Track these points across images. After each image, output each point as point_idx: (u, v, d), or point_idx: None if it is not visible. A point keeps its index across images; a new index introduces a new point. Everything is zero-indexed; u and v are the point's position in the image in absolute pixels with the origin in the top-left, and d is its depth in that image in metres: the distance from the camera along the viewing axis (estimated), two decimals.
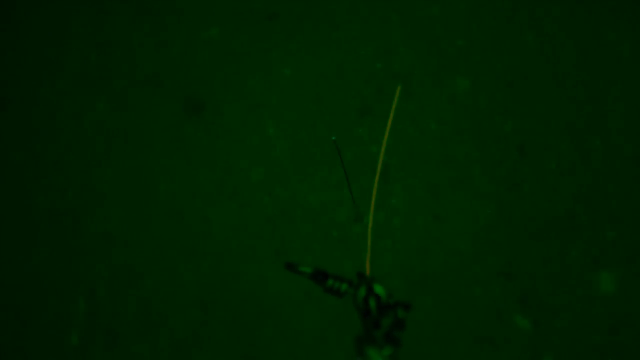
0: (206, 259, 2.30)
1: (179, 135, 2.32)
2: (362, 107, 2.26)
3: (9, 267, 2.36)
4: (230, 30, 2.31)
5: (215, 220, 2.30)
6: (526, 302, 2.21)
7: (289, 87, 2.29)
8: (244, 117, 2.30)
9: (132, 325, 2.33)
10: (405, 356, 1.91)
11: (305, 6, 2.31)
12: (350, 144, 2.25)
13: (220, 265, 2.30)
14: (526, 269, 2.21)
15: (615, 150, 2.20)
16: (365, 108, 2.26)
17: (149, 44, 2.33)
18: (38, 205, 2.35)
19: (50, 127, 2.36)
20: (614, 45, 2.21)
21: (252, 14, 2.33)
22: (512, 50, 2.24)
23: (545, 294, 2.21)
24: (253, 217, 2.29)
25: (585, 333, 2.20)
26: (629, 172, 2.19)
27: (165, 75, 2.32)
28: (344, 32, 2.27)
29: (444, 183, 2.23)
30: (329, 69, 2.28)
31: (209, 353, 2.30)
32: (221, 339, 2.29)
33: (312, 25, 2.28)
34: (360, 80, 2.26)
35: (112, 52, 2.36)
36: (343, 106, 2.27)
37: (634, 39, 2.21)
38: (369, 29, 2.27)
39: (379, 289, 1.56)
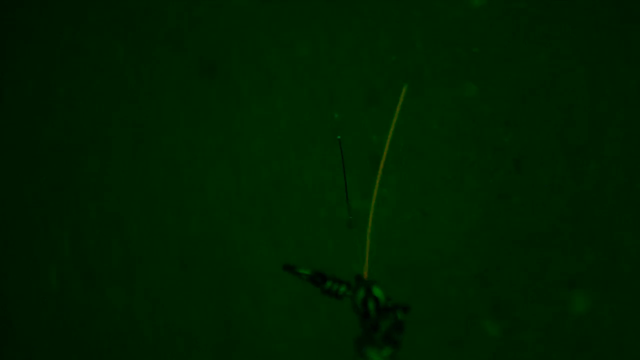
0: (194, 219, 2.34)
1: (189, 95, 2.37)
2: (370, 96, 2.31)
3: (3, 192, 2.41)
4: (257, 2, 2.37)
5: (209, 182, 2.34)
6: (499, 309, 2.25)
7: (302, 66, 2.34)
8: (255, 88, 2.35)
9: (111, 272, 2.37)
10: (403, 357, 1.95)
11: None
12: (352, 129, 2.30)
13: (207, 227, 2.34)
14: (503, 278, 2.25)
15: (608, 177, 2.24)
16: (372, 98, 2.31)
17: (178, 2, 2.39)
18: (42, 139, 2.40)
19: (68, 65, 2.42)
20: (622, 77, 2.26)
21: None
22: (523, 65, 2.29)
23: (518, 305, 2.24)
24: (247, 185, 2.33)
25: (552, 349, 2.23)
26: (619, 199, 2.23)
27: (186, 34, 2.38)
28: (364, 20, 2.33)
29: (436, 182, 2.27)
30: (343, 55, 2.33)
31: (183, 311, 2.33)
32: (197, 298, 2.33)
33: (334, 9, 2.34)
34: (373, 70, 2.32)
35: (140, 4, 2.42)
36: (351, 93, 2.32)
37: None
38: (389, 22, 2.32)
39: (377, 292, 1.58)
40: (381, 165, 2.11)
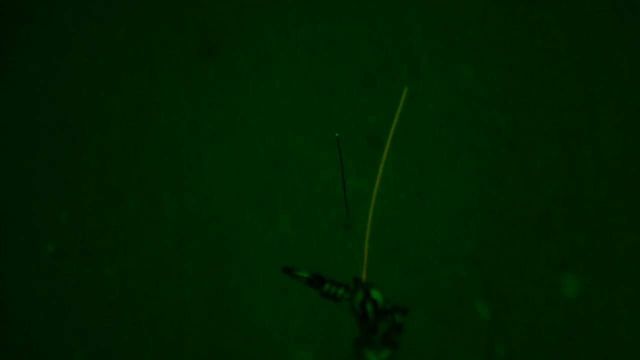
0: (191, 195, 2.37)
1: (189, 73, 2.40)
2: (367, 77, 2.34)
3: (4, 165, 2.44)
4: None
5: (207, 159, 2.37)
6: (489, 290, 2.26)
7: (301, 47, 2.37)
8: (254, 67, 2.38)
9: (107, 245, 2.40)
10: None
11: None
12: (348, 109, 2.33)
13: (203, 203, 2.37)
14: (495, 259, 2.26)
15: (601, 162, 2.26)
16: (369, 79, 2.34)
17: None
18: (42, 115, 2.44)
19: (69, 44, 2.46)
20: (616, 63, 2.28)
21: None
22: (518, 49, 2.31)
23: (509, 287, 2.26)
24: (244, 162, 2.36)
25: (541, 331, 2.24)
26: (611, 184, 2.25)
27: (187, 14, 2.42)
28: (363, 3, 2.36)
29: (431, 162, 2.30)
30: (342, 36, 2.36)
31: (176, 285, 2.35)
32: (191, 274, 2.35)
33: None
34: (370, 52, 2.35)
35: None
36: (349, 74, 2.35)
37: (635, 61, 2.29)
38: (388, 5, 2.36)
39: (376, 294, 1.58)
40: (379, 173, 2.12)
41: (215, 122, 2.39)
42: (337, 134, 2.28)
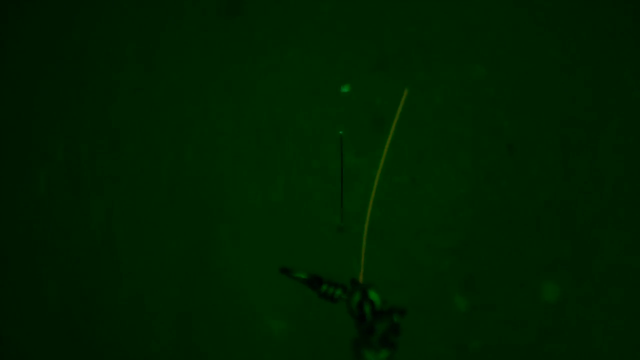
0: (186, 152, 2.38)
1: (204, 31, 2.42)
2: (380, 61, 2.36)
3: (11, 100, 2.45)
4: None
5: (210, 116, 2.38)
6: (470, 285, 2.27)
7: (321, 21, 2.39)
8: (271, 34, 2.40)
9: (97, 186, 2.40)
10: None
11: None
12: (356, 89, 2.35)
13: (200, 158, 2.37)
14: (479, 256, 2.27)
15: (598, 175, 2.28)
16: (382, 63, 2.36)
17: None
18: (59, 48, 2.45)
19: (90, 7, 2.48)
20: (626, 82, 2.31)
21: None
22: (534, 57, 2.34)
23: (490, 284, 2.27)
24: (246, 125, 2.37)
25: (516, 332, 2.25)
26: (605, 197, 2.27)
27: None
28: None
29: (430, 153, 2.31)
30: (362, 17, 2.38)
31: (160, 237, 2.35)
32: (177, 226, 2.35)
33: None
34: (387, 37, 2.37)
35: None
36: (362, 54, 2.37)
37: None
38: None
39: (373, 295, 1.58)
40: (376, 181, 2.14)
41: (221, 82, 2.40)
42: (340, 132, 2.29)
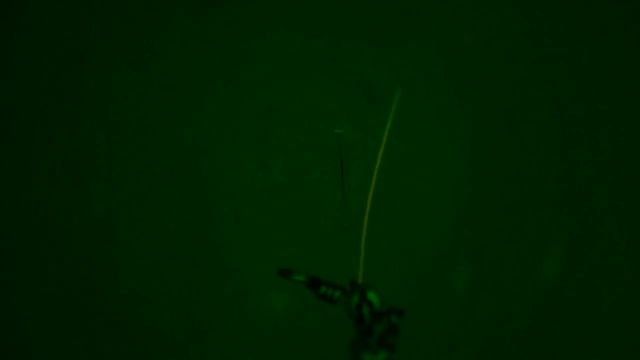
0: (187, 132, 2.38)
1: (202, 15, 2.40)
2: (374, 37, 2.32)
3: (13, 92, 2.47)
4: None
5: (207, 100, 2.38)
6: (472, 254, 2.25)
7: (314, 3, 2.35)
8: (265, 17, 2.37)
9: (99, 167, 2.42)
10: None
11: None
12: (350, 61, 2.31)
13: (200, 139, 2.38)
14: (478, 227, 2.26)
15: (597, 160, 2.24)
16: (378, 41, 2.32)
17: None
18: (66, 37, 2.46)
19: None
20: (619, 52, 2.26)
21: None
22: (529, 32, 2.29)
23: (488, 262, 2.25)
24: (243, 106, 2.38)
25: (515, 310, 2.24)
26: (601, 176, 2.23)
27: None
28: None
29: (430, 120, 2.29)
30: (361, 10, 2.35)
31: (160, 214, 2.37)
32: (177, 205, 2.37)
33: None
34: (381, 17, 2.32)
35: None
36: (358, 34, 2.34)
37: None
38: None
39: (372, 297, 1.57)
40: (375, 174, 2.11)
41: (221, 64, 2.39)
42: (338, 131, 2.26)
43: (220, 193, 2.36)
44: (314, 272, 1.72)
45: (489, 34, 2.31)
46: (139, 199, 2.40)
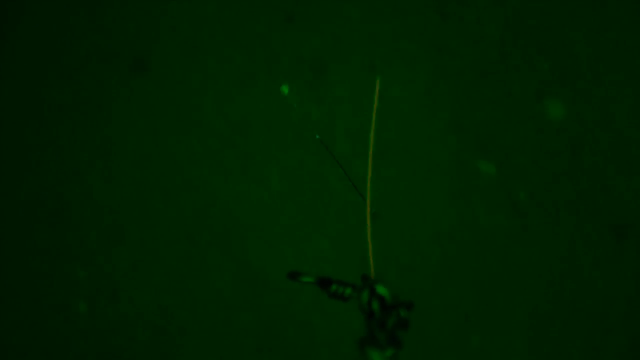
0: (193, 133, 2.44)
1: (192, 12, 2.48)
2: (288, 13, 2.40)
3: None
4: None
5: (207, 99, 2.45)
6: (485, 147, 2.31)
7: None
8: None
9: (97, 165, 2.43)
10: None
11: None
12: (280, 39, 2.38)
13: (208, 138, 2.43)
14: (475, 118, 2.31)
15: None
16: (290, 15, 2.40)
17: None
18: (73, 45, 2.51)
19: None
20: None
21: None
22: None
23: (501, 136, 2.31)
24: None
25: (547, 161, 2.30)
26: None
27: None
28: None
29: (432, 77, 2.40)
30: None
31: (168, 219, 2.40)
32: (182, 189, 2.42)
33: None
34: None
35: None
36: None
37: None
38: None
39: (382, 290, 1.58)
40: (369, 164, 2.12)
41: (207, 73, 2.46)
42: (317, 136, 2.27)
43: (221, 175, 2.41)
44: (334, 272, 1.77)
45: None
46: (140, 190, 2.43)
